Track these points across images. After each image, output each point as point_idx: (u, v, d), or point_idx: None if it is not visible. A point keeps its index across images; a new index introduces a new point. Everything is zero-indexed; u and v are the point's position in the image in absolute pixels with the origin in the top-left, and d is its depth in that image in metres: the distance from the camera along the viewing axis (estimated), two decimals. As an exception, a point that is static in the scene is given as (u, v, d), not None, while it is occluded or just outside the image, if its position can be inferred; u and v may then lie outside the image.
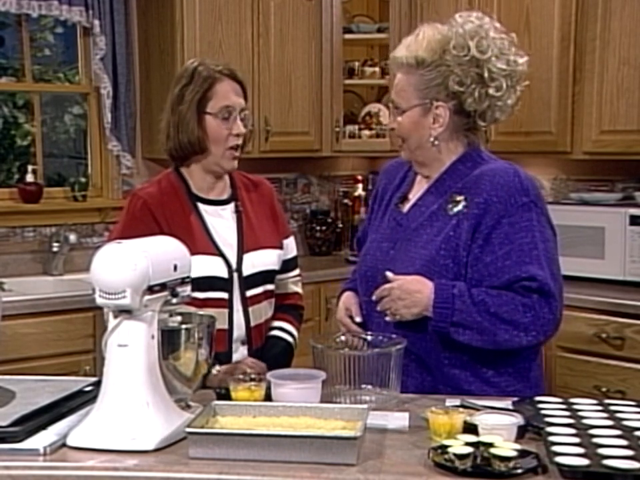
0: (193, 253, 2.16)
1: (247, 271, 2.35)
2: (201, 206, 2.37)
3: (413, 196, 2.24)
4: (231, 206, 2.42)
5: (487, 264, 2.04)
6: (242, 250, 2.37)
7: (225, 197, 2.42)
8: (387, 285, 2.09)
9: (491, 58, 2.08)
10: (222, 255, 2.33)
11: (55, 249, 4.06)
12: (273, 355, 2.39)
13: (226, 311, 2.32)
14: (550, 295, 2.02)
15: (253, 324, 2.37)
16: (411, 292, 2.05)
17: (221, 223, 2.38)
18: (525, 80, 2.17)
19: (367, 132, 4.82)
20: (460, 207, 2.10)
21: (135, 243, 1.77)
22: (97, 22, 4.05)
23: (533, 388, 2.14)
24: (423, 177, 2.23)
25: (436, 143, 2.14)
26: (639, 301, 3.42)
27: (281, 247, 2.47)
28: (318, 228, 4.90)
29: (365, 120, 4.93)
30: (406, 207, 2.23)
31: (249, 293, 2.36)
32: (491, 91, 2.09)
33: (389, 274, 2.09)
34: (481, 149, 2.20)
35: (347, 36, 4.67)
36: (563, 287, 2.09)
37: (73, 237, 4.05)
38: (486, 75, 2.08)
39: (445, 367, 2.10)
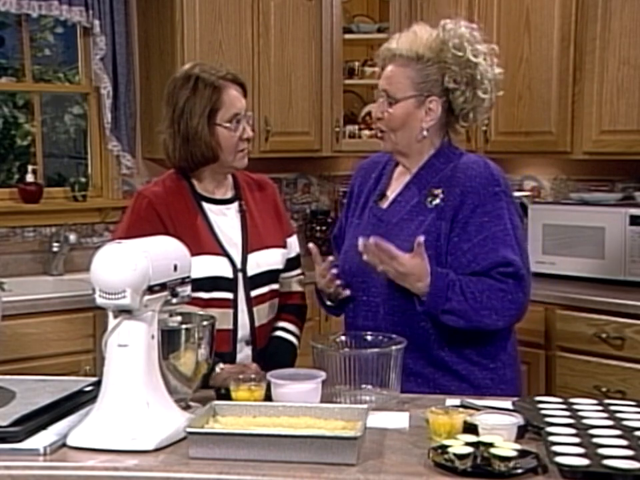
0: (198, 252, 2.17)
1: (251, 270, 2.35)
2: (205, 205, 2.36)
3: (392, 192, 2.31)
4: (235, 205, 2.41)
5: (465, 251, 2.15)
6: (246, 250, 2.36)
7: (229, 196, 2.42)
8: (397, 254, 2.08)
9: (482, 62, 2.21)
10: (227, 254, 2.32)
11: (55, 249, 4.06)
12: (276, 355, 2.38)
13: (231, 311, 2.31)
14: (523, 278, 2.15)
15: (257, 324, 2.36)
16: (410, 275, 2.10)
17: (226, 222, 2.37)
18: (500, 90, 2.30)
19: (366, 132, 4.81)
20: (438, 200, 2.20)
21: (135, 243, 1.77)
22: (97, 22, 4.05)
23: (510, 365, 2.27)
24: (405, 168, 2.30)
25: (425, 134, 2.24)
26: (639, 300, 3.42)
27: (284, 246, 2.47)
28: (318, 228, 4.90)
29: (365, 120, 4.92)
30: (385, 203, 2.30)
31: (254, 292, 2.36)
32: (479, 92, 2.22)
33: (420, 238, 2.08)
34: (452, 145, 2.31)
35: (347, 36, 4.67)
36: (530, 270, 2.21)
37: (73, 237, 4.05)
38: (478, 77, 2.20)
39: (433, 349, 2.18)
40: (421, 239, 2.08)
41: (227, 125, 2.30)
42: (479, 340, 2.19)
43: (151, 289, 1.73)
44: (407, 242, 2.16)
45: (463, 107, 2.23)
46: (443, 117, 2.25)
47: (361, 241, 2.12)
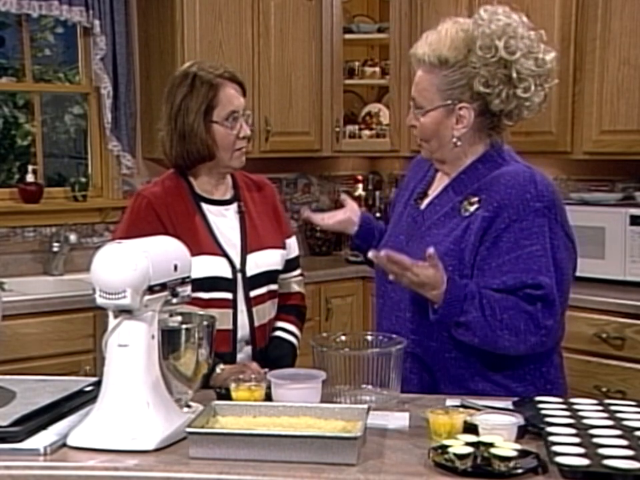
0: (197, 253, 2.17)
1: (250, 271, 2.35)
2: (204, 206, 2.37)
3: (432, 192, 2.21)
4: (234, 206, 2.42)
5: (493, 267, 2.00)
6: (245, 250, 2.37)
7: (228, 197, 2.42)
8: (409, 265, 1.92)
9: (520, 59, 2.02)
10: (226, 255, 2.33)
11: (55, 249, 4.06)
12: (276, 356, 2.39)
13: (230, 311, 2.32)
14: (553, 303, 1.98)
15: (257, 324, 2.37)
16: (425, 285, 1.94)
17: (225, 223, 2.38)
18: (555, 78, 2.11)
19: (367, 132, 4.82)
20: (473, 208, 2.07)
21: (135, 243, 1.77)
22: (97, 22, 4.05)
23: (551, 390, 2.08)
24: (444, 174, 2.19)
25: (458, 143, 2.10)
26: (639, 301, 3.42)
27: (283, 247, 2.47)
28: (318, 228, 4.89)
29: (365, 120, 4.93)
30: (423, 204, 2.20)
31: (253, 293, 2.36)
32: (519, 91, 2.03)
33: (430, 250, 1.92)
34: (502, 149, 2.15)
35: (347, 36, 4.67)
36: (566, 295, 2.06)
37: (73, 237, 4.06)
38: (514, 75, 2.02)
39: (452, 366, 2.08)
40: (431, 250, 1.90)
41: (224, 122, 2.30)
42: (507, 361, 2.05)
43: (151, 289, 1.73)
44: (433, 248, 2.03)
45: (502, 109, 2.05)
46: (481, 121, 2.08)
47: (371, 254, 1.97)
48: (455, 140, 2.10)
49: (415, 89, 2.13)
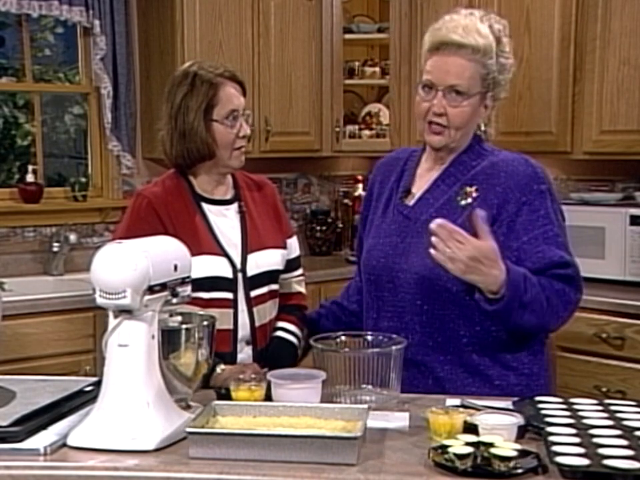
0: (197, 253, 2.17)
1: (251, 271, 2.35)
2: (205, 206, 2.37)
3: (418, 189, 2.22)
4: (235, 206, 2.42)
5: (514, 250, 2.04)
6: (246, 250, 2.36)
7: (228, 196, 2.42)
8: (467, 237, 1.91)
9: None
10: (226, 255, 2.33)
11: (55, 249, 4.06)
12: (277, 356, 2.38)
13: (231, 311, 2.32)
14: (580, 280, 2.09)
15: (257, 324, 2.37)
16: (485, 260, 1.92)
17: (225, 222, 2.38)
18: None
19: (367, 132, 4.82)
20: (470, 199, 2.11)
21: (136, 242, 1.77)
22: (97, 22, 4.05)
23: (545, 370, 2.18)
24: (436, 164, 2.20)
25: (480, 131, 2.19)
26: (639, 300, 3.42)
27: (284, 247, 2.47)
28: (318, 228, 4.91)
29: (365, 120, 4.93)
30: (411, 201, 2.21)
31: (254, 293, 2.36)
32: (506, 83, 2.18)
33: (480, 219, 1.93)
34: (482, 141, 2.22)
35: (347, 36, 4.67)
36: None
37: (73, 237, 4.06)
38: (512, 69, 2.18)
39: (464, 352, 2.10)
40: (482, 212, 1.91)
41: (224, 121, 2.30)
42: (515, 343, 2.10)
43: (151, 289, 1.73)
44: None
45: (505, 97, 2.19)
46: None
47: (433, 224, 1.92)
48: (482, 127, 2.19)
49: (455, 76, 2.09)
